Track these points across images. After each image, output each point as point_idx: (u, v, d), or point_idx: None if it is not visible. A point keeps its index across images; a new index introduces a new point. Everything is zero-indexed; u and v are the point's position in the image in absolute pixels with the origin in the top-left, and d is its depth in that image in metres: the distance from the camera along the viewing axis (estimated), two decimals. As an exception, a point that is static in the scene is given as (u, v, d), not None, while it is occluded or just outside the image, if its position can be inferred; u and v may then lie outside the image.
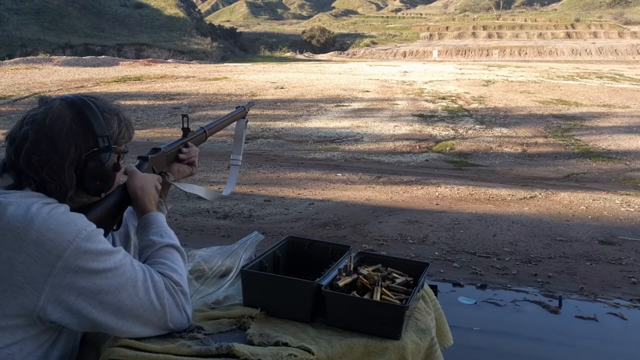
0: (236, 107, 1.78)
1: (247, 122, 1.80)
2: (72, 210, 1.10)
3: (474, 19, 76.96)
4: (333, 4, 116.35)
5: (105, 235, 1.20)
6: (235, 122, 1.78)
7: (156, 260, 1.16)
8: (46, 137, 1.05)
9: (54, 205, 1.04)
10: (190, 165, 1.46)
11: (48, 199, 1.05)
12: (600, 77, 23.48)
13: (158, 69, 26.54)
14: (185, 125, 1.48)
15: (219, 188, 6.05)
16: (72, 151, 1.06)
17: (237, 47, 57.43)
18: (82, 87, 16.45)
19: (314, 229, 4.64)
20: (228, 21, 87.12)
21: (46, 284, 0.98)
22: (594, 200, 5.71)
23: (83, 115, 1.09)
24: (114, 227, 1.25)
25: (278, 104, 13.76)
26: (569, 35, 63.89)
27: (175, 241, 1.21)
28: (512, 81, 20.63)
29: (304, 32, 68.30)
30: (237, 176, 1.75)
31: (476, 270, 3.81)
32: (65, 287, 1.00)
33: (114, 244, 1.31)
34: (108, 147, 1.11)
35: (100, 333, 1.21)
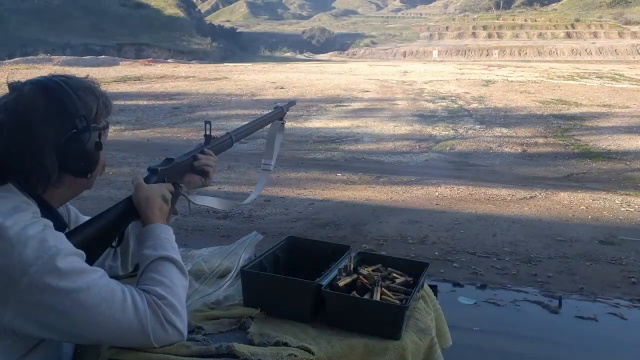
0: (274, 107, 1.66)
1: (283, 123, 1.65)
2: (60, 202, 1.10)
3: (474, 19, 76.96)
4: (333, 4, 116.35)
5: (102, 251, 1.17)
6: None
7: (146, 276, 1.09)
8: (22, 125, 1.01)
9: (33, 221, 0.99)
10: (203, 176, 1.36)
11: (29, 211, 1.01)
12: (600, 77, 23.49)
13: (158, 69, 26.54)
14: (208, 132, 1.38)
15: (219, 188, 6.04)
16: (51, 136, 1.03)
17: (237, 47, 57.44)
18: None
19: (314, 229, 4.64)
20: (228, 21, 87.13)
21: (10, 299, 0.94)
22: (594, 200, 5.71)
23: (56, 98, 1.04)
24: (113, 244, 1.19)
25: (278, 104, 13.73)
26: (569, 35, 63.88)
27: (170, 252, 1.13)
28: (512, 81, 20.63)
29: (304, 32, 68.32)
30: (265, 183, 1.61)
31: (476, 270, 3.81)
32: (34, 304, 0.95)
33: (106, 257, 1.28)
34: (87, 127, 1.06)
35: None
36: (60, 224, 1.08)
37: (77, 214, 1.32)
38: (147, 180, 1.23)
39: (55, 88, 1.06)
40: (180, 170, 1.31)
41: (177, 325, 1.06)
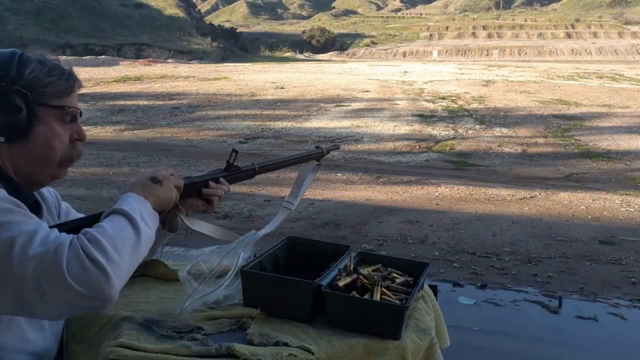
0: (315, 147, 1.55)
1: (319, 165, 1.55)
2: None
3: (474, 19, 76.99)
4: (333, 4, 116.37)
5: None
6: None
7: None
8: None
9: None
10: (207, 203, 1.31)
11: None
12: (600, 77, 23.49)
13: (158, 69, 26.53)
14: (231, 161, 1.32)
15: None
16: None
17: (237, 47, 57.41)
18: (82, 86, 16.40)
19: (314, 229, 4.64)
20: (228, 21, 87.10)
21: None
22: (594, 200, 5.72)
23: None
24: None
25: (278, 104, 13.76)
26: (569, 35, 63.91)
27: (124, 206, 1.03)
28: (512, 81, 20.63)
29: (304, 32, 68.30)
30: (281, 221, 1.52)
31: (476, 270, 3.81)
32: None
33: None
34: (5, 87, 1.02)
35: (96, 332, 1.20)
36: (18, 195, 1.04)
37: (68, 209, 1.31)
38: None
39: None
40: (186, 193, 1.26)
41: (98, 259, 0.91)
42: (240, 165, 1.37)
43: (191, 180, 1.26)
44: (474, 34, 66.90)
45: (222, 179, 1.32)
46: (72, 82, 1.12)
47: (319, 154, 1.53)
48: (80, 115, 1.15)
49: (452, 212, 5.21)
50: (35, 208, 1.15)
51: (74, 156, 1.13)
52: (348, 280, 1.30)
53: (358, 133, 10.12)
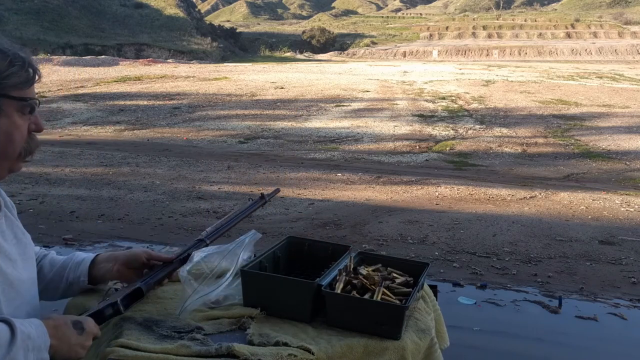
0: (260, 196, 1.59)
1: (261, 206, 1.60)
2: None
3: (474, 19, 77.01)
4: (333, 4, 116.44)
5: None
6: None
7: None
8: None
9: None
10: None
11: None
12: (600, 77, 23.49)
13: (158, 69, 26.52)
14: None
15: (219, 189, 6.04)
16: None
17: (237, 47, 57.41)
18: (82, 87, 16.45)
19: (314, 229, 4.64)
20: (228, 21, 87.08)
21: None
22: (594, 200, 5.71)
23: None
24: None
25: (278, 104, 13.76)
26: (569, 35, 63.94)
27: (15, 322, 0.91)
28: (512, 81, 20.63)
29: (304, 32, 68.28)
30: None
31: (476, 270, 3.81)
32: None
33: None
34: None
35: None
36: None
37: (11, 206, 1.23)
38: (104, 311, 1.13)
39: None
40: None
41: None
42: (190, 243, 1.39)
43: (148, 287, 1.26)
44: (474, 34, 66.92)
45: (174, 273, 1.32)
46: (32, 72, 1.05)
47: (263, 203, 1.59)
48: (39, 105, 1.08)
49: (452, 212, 5.21)
50: None
51: (32, 148, 1.07)
52: (341, 285, 1.30)
53: (358, 133, 10.12)
